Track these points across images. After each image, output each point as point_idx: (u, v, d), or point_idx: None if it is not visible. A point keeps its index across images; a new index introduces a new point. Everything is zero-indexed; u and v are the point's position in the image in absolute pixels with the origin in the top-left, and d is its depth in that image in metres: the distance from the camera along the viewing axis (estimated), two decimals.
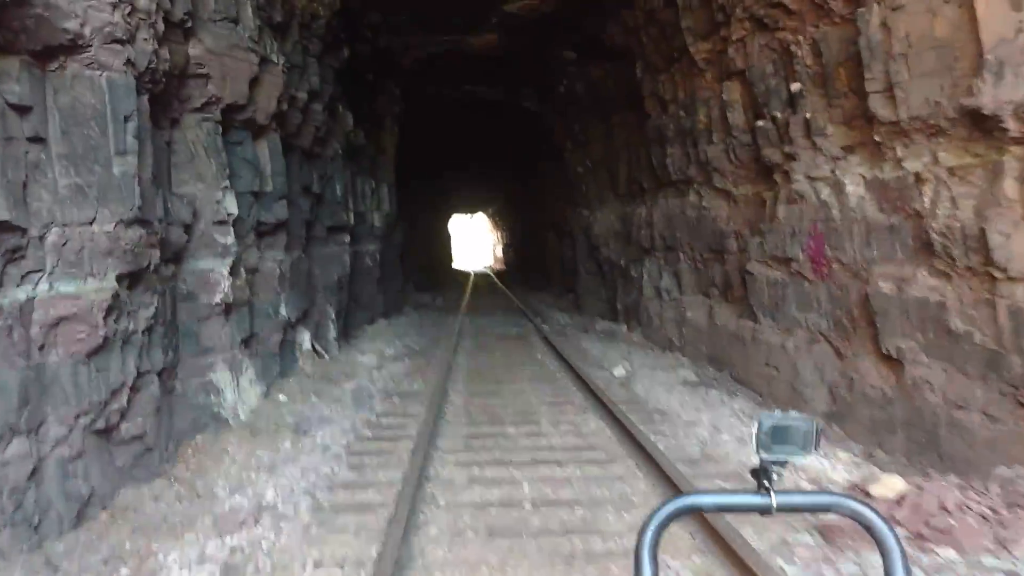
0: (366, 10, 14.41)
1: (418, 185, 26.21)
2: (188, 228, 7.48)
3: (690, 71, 11.72)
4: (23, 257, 5.07)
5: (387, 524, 5.03)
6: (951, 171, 6.28)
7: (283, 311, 9.69)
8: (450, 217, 49.30)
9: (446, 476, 6.24)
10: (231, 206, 8.04)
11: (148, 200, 6.24)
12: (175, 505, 5.72)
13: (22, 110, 5.10)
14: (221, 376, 7.82)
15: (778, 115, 8.97)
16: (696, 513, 1.65)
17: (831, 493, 1.51)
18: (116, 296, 5.68)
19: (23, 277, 5.08)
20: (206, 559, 4.74)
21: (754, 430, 1.50)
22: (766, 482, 1.47)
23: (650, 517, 1.40)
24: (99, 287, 5.52)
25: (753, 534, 4.74)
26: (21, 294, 5.04)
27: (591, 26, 15.23)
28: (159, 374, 6.64)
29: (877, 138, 7.15)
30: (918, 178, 6.65)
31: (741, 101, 10.18)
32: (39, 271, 5.18)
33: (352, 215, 14.98)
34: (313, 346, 11.15)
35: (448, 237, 49.75)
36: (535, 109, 22.42)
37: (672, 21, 11.77)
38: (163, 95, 6.96)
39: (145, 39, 6.14)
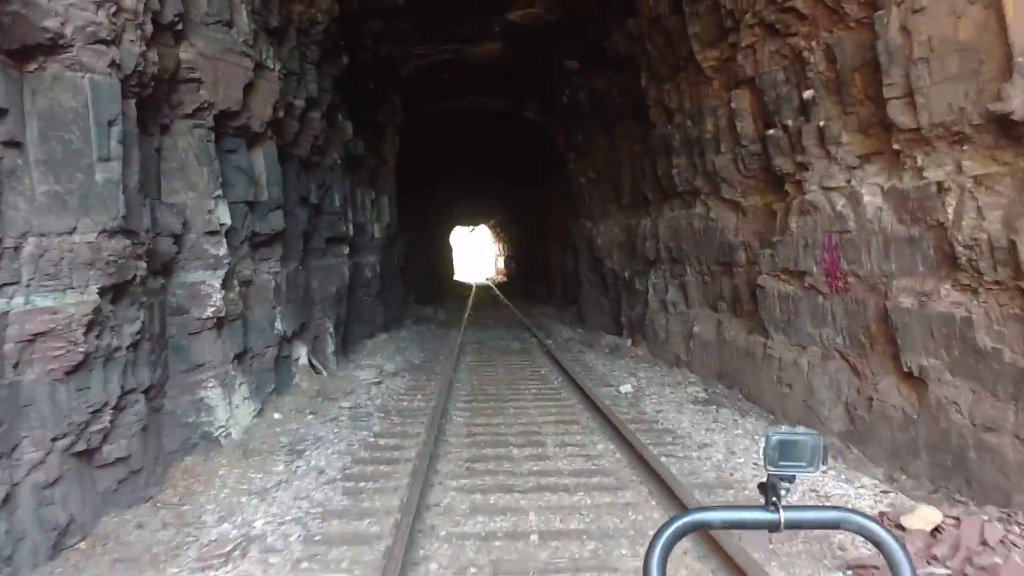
0: (366, 18, 14.17)
1: (419, 196, 25.96)
2: (178, 239, 7.18)
3: (697, 79, 11.45)
4: None
5: (383, 559, 4.67)
6: (977, 180, 5.97)
7: (279, 325, 9.37)
8: (451, 229, 49.06)
9: (447, 504, 5.88)
10: (224, 216, 7.74)
11: (134, 209, 5.94)
12: (159, 533, 5.39)
13: None
14: (213, 393, 7.50)
15: (790, 123, 8.69)
16: (704, 529, 1.66)
17: (839, 508, 1.50)
18: (98, 310, 5.37)
19: None
20: None
21: (761, 445, 1.57)
22: (774, 498, 1.48)
23: (658, 534, 1.40)
24: (79, 301, 5.21)
25: (779, 571, 4.41)
26: None
27: (595, 35, 14.99)
28: (146, 392, 6.32)
29: (896, 146, 6.86)
30: (940, 188, 6.34)
31: (750, 109, 9.91)
32: (14, 284, 4.87)
33: (351, 226, 14.68)
34: (310, 361, 10.82)
35: (449, 249, 49.48)
36: (537, 119, 22.19)
37: (678, 28, 11.51)
38: (152, 100, 6.68)
39: (132, 40, 5.86)
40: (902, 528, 4.61)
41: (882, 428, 7.18)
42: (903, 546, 1.38)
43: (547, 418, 8.84)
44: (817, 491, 5.97)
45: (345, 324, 13.94)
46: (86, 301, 5.25)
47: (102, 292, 5.47)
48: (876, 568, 4.15)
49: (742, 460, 6.84)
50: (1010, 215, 5.65)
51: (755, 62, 9.36)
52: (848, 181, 7.76)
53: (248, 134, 8.70)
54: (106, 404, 5.55)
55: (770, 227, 9.69)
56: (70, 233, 5.22)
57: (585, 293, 20.50)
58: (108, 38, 5.50)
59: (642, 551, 4.86)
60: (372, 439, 7.89)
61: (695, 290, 12.44)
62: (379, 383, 11.10)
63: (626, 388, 10.40)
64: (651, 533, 4.83)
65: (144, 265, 6.14)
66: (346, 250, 14.14)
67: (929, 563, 4.17)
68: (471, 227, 57.04)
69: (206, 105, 7.57)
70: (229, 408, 7.71)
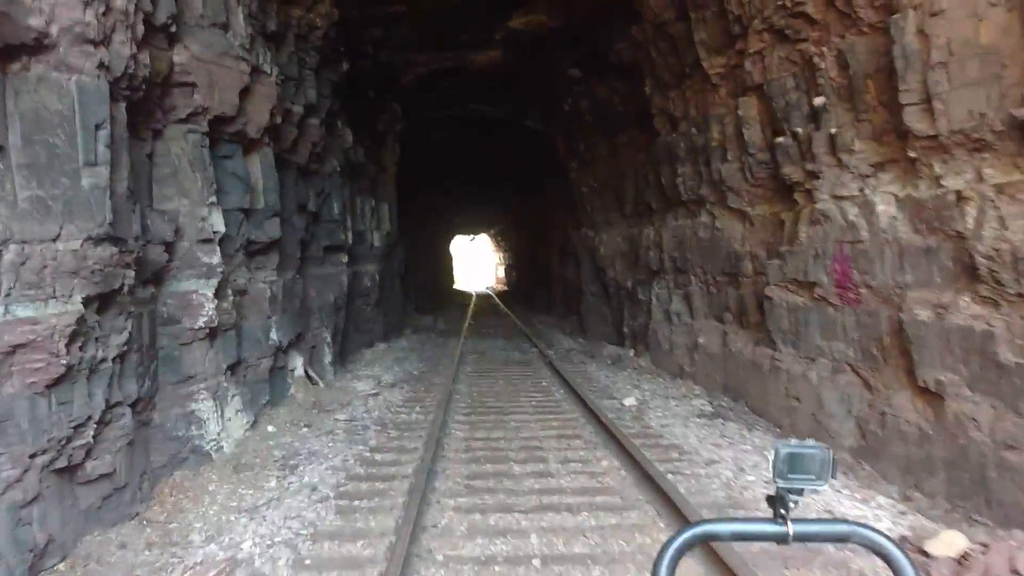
0: (367, 25, 13.99)
1: (419, 205, 25.78)
2: (170, 247, 6.95)
3: (703, 87, 11.26)
4: None
5: None
6: (999, 189, 5.76)
7: (274, 335, 9.13)
8: (452, 237, 48.88)
9: (445, 524, 5.62)
10: (217, 223, 7.52)
11: (122, 216, 5.71)
12: (143, 554, 5.15)
13: None
14: (204, 406, 7.26)
15: (799, 131, 8.47)
16: (712, 541, 1.59)
17: (847, 522, 1.48)
18: (82, 320, 5.14)
19: None
20: None
21: (770, 458, 1.50)
22: (782, 510, 1.48)
23: (665, 546, 1.41)
24: (62, 311, 4.98)
25: None
26: None
27: (598, 42, 14.81)
28: (133, 405, 6.09)
29: (912, 154, 6.64)
30: (959, 197, 6.13)
31: (758, 117, 9.70)
32: None
33: (350, 234, 14.47)
34: (306, 372, 10.58)
35: (450, 258, 49.29)
36: (539, 128, 22.01)
37: (684, 35, 11.33)
38: (143, 104, 6.46)
39: (122, 42, 5.65)
40: (926, 554, 4.37)
41: (896, 444, 6.94)
42: (913, 562, 1.38)
43: (549, 432, 8.58)
44: (832, 511, 5.72)
45: (343, 334, 13.71)
46: (69, 311, 5.02)
47: (87, 302, 5.24)
48: None
49: (752, 478, 6.59)
50: None
51: (763, 68, 9.16)
52: (861, 190, 7.54)
53: (244, 140, 8.49)
54: (90, 418, 5.32)
55: (778, 237, 9.48)
56: (53, 240, 4.99)
57: (587, 303, 20.28)
58: (96, 38, 5.28)
59: None
60: (368, 454, 7.63)
61: (700, 300, 12.21)
62: (376, 394, 10.85)
63: (630, 401, 10.15)
64: None
65: (132, 274, 5.91)
66: (345, 258, 13.92)
67: None
68: (471, 236, 56.86)
69: (200, 110, 7.36)
70: (221, 421, 7.47)
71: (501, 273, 56.70)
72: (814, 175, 8.24)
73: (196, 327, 7.18)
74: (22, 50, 4.90)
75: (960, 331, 6.09)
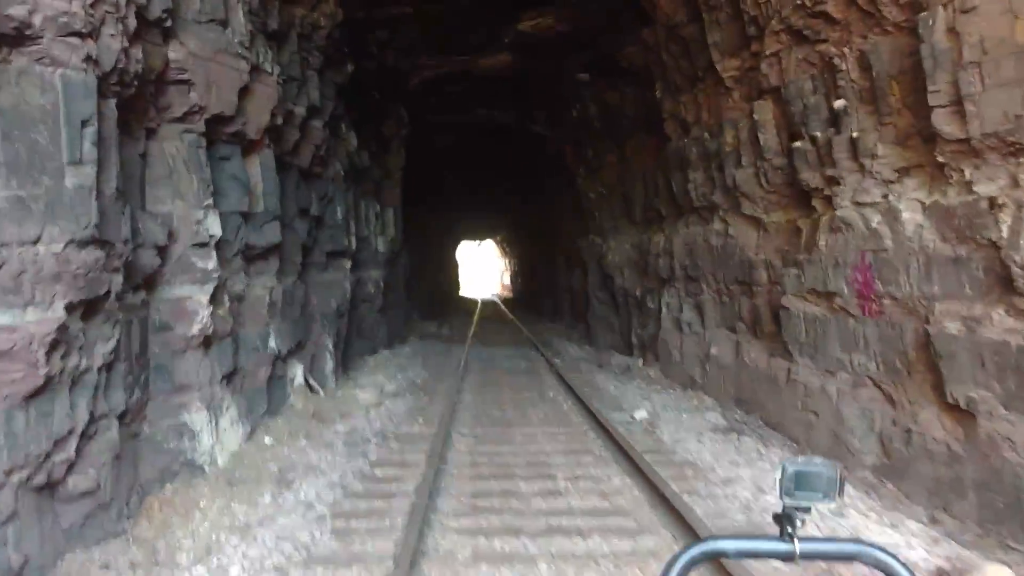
0: (372, 26, 13.74)
1: (425, 210, 25.53)
2: (163, 251, 6.66)
3: (716, 90, 10.96)
4: None
5: None
6: None
7: (272, 343, 8.83)
8: (457, 243, 48.58)
9: (447, 548, 5.28)
10: (213, 227, 7.23)
11: (110, 218, 5.43)
12: (126, 575, 4.84)
13: None
14: (197, 417, 6.96)
15: (818, 135, 8.16)
16: (719, 558, 1.61)
17: (856, 541, 1.46)
18: (63, 328, 4.85)
19: None
20: None
21: (777, 475, 1.50)
22: (789, 528, 1.47)
23: (671, 563, 1.39)
24: (41, 318, 4.69)
25: None
26: None
27: (607, 46, 14.55)
28: (120, 417, 5.79)
29: (940, 159, 6.33)
30: (992, 203, 5.80)
31: (774, 121, 9.40)
32: None
33: (354, 240, 14.19)
34: (306, 380, 10.28)
35: (455, 264, 49.01)
36: (546, 133, 21.77)
37: (697, 37, 11.04)
38: (136, 101, 6.18)
39: (112, 35, 5.37)
40: None
41: (922, 463, 6.60)
42: None
43: (557, 446, 8.24)
44: (860, 536, 5.39)
45: (346, 341, 13.42)
46: (49, 318, 4.73)
47: (70, 308, 4.94)
48: None
49: (772, 499, 6.25)
50: None
51: (780, 71, 8.86)
52: (884, 196, 7.22)
53: (243, 141, 8.21)
54: (72, 432, 5.02)
55: (794, 245, 9.16)
56: (34, 243, 4.70)
57: (594, 311, 19.97)
58: (84, 30, 5.00)
59: None
60: (368, 468, 7.30)
61: (712, 310, 11.89)
62: (379, 404, 10.54)
63: (640, 413, 9.82)
64: None
65: (121, 279, 5.62)
66: (348, 264, 13.64)
67: None
68: (477, 241, 56.60)
69: (197, 109, 7.08)
70: (215, 432, 7.17)
71: (507, 280, 56.38)
72: (834, 181, 7.93)
73: (190, 334, 6.89)
74: (2, 41, 4.63)
75: (993, 346, 5.76)
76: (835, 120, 7.89)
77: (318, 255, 11.99)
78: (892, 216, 7.06)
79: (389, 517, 5.85)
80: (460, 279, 53.04)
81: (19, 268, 4.58)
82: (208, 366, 7.20)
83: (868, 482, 7.05)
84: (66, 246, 4.87)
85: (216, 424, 7.24)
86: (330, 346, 11.83)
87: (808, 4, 7.83)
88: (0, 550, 4.47)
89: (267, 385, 8.80)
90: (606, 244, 18.48)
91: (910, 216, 6.86)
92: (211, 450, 7.04)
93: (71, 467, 5.12)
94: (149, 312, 6.66)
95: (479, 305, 37.53)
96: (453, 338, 21.18)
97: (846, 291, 7.78)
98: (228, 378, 7.69)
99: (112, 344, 5.53)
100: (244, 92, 7.76)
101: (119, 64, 5.48)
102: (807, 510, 1.49)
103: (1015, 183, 5.62)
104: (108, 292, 5.43)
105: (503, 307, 36.96)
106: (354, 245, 14.14)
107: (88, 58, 5.07)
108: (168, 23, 6.45)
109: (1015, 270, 5.52)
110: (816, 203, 8.50)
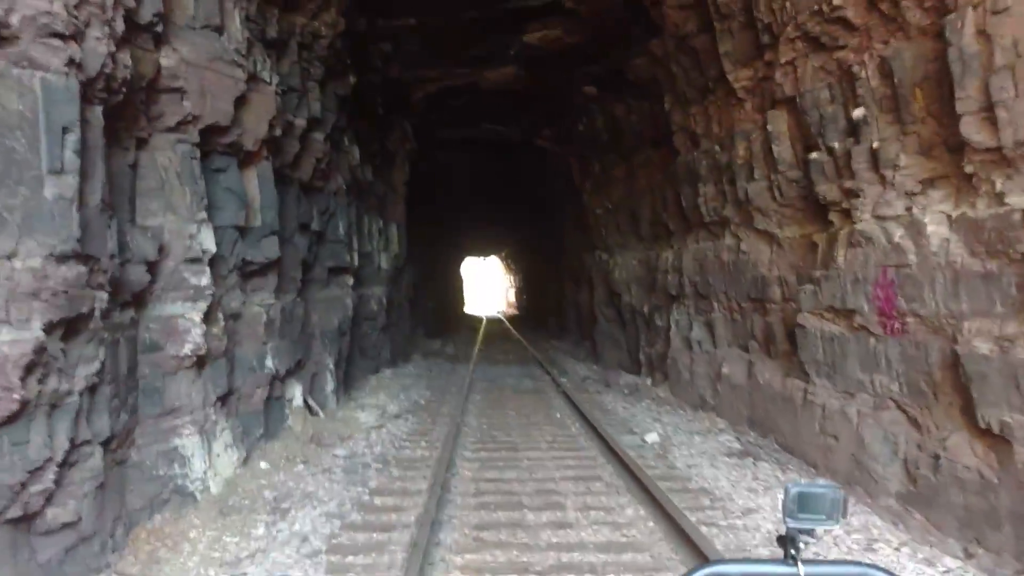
0: (375, 38, 13.52)
1: (429, 226, 25.27)
2: (153, 266, 6.36)
3: (727, 101, 10.68)
4: None
5: None
6: None
7: (270, 363, 8.51)
8: (462, 260, 48.31)
9: None
10: (207, 242, 6.93)
11: (94, 231, 5.13)
12: None
13: None
14: (189, 442, 6.63)
15: (836, 146, 7.86)
16: None
17: (859, 563, 1.46)
18: (41, 349, 4.54)
19: None
20: None
21: (781, 497, 1.54)
22: (793, 550, 1.49)
23: None
24: (16, 338, 4.38)
25: None
26: None
27: (614, 58, 14.31)
28: (105, 443, 5.47)
29: (968, 168, 6.01)
30: None
31: (789, 132, 9.10)
32: None
33: (357, 256, 13.90)
34: (306, 402, 9.94)
35: (460, 281, 48.70)
36: (552, 148, 21.54)
37: (708, 47, 10.78)
38: (125, 109, 5.91)
39: (98, 38, 5.10)
40: None
41: (952, 492, 6.22)
42: None
43: (565, 472, 7.86)
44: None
45: (348, 360, 13.08)
46: (25, 339, 4.42)
47: (49, 327, 4.63)
48: None
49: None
50: None
51: (795, 80, 8.57)
52: (907, 209, 6.90)
53: (240, 153, 7.93)
54: (50, 460, 4.70)
55: (810, 260, 8.84)
56: (9, 258, 4.41)
57: (600, 328, 19.62)
58: (66, 32, 4.74)
59: None
60: (367, 497, 6.93)
61: (723, 328, 11.55)
62: (380, 427, 10.18)
63: (651, 437, 9.44)
64: None
65: (106, 296, 5.32)
66: (350, 281, 13.33)
67: None
68: (482, 257, 56.32)
69: (190, 118, 6.81)
70: (208, 458, 6.84)
71: (512, 297, 56.03)
72: (853, 193, 7.62)
73: (182, 354, 6.58)
74: None
75: None
76: (854, 130, 7.59)
77: (319, 271, 11.70)
78: (916, 230, 6.73)
79: (388, 552, 5.48)
80: (465, 296, 52.72)
81: None
82: (201, 388, 6.88)
83: (893, 511, 6.69)
84: (44, 261, 4.57)
85: (209, 449, 6.91)
86: (331, 365, 11.50)
87: (826, 10, 7.55)
88: None
89: (264, 407, 8.47)
90: (612, 260, 18.17)
91: (935, 229, 6.53)
92: (204, 476, 6.71)
93: (50, 498, 4.79)
94: (138, 331, 6.35)
95: (484, 322, 37.18)
96: (458, 356, 20.84)
97: (866, 308, 7.44)
98: (222, 400, 7.37)
99: (96, 366, 5.22)
100: (241, 101, 7.49)
101: (105, 69, 5.21)
102: (811, 532, 1.50)
103: None
104: (92, 310, 5.12)
105: (508, 324, 36.61)
106: (356, 261, 13.84)
107: (71, 61, 4.80)
108: (159, 28, 6.19)
109: None
110: (834, 217, 8.18)
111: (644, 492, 6.69)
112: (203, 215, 6.95)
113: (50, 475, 4.72)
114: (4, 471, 4.36)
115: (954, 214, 6.34)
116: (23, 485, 4.52)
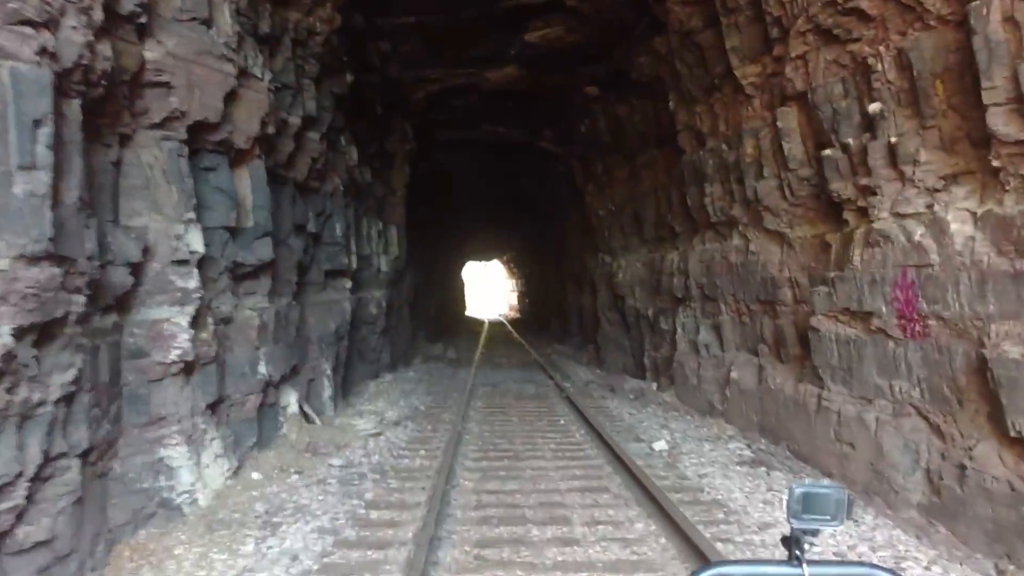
0: (374, 37, 13.22)
1: (430, 229, 24.98)
2: (137, 268, 6.07)
3: (734, 99, 10.38)
4: None
5: None
6: None
7: (263, 369, 8.20)
8: (463, 263, 48.02)
9: None
10: (195, 243, 6.63)
11: (70, 230, 4.83)
12: None
13: None
14: (176, 452, 6.33)
15: (851, 142, 7.56)
16: None
17: (864, 564, 1.49)
18: (10, 356, 4.23)
19: None
20: None
21: (785, 498, 1.55)
22: (797, 551, 1.52)
23: None
24: None
25: None
26: None
27: (618, 56, 14.01)
28: (84, 455, 5.17)
29: (995, 163, 5.72)
30: None
31: (799, 129, 8.79)
32: None
33: (355, 258, 13.59)
34: (301, 409, 9.63)
35: (461, 284, 48.41)
36: (554, 150, 21.25)
37: (713, 43, 10.48)
38: (106, 103, 5.61)
39: (74, 27, 4.81)
40: None
41: (979, 503, 5.90)
42: None
43: (571, 484, 7.50)
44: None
45: (346, 365, 12.78)
46: None
47: (19, 333, 4.33)
48: None
49: (819, 548, 5.56)
50: None
51: (807, 74, 8.27)
52: (928, 206, 6.59)
53: (231, 151, 7.63)
54: (20, 475, 4.39)
55: (823, 261, 8.53)
56: None
57: (604, 332, 19.30)
58: (37, 19, 4.45)
59: None
60: (362, 511, 6.59)
61: (731, 331, 11.23)
62: (378, 434, 9.86)
63: (660, 445, 9.10)
64: None
65: (83, 299, 5.01)
66: (348, 284, 13.03)
67: None
68: (484, 261, 56.02)
69: (178, 114, 6.51)
70: (196, 469, 6.53)
71: (514, 300, 55.72)
72: (870, 191, 7.31)
73: (168, 361, 6.27)
74: None
75: None
76: (869, 125, 7.29)
77: (315, 274, 11.40)
78: (938, 228, 6.42)
79: (383, 573, 5.14)
80: (466, 300, 52.42)
81: None
82: (189, 395, 6.57)
83: (916, 523, 6.36)
84: (14, 262, 4.27)
85: (198, 459, 6.60)
86: (328, 371, 11.18)
87: (839, 1, 7.25)
88: None
89: (257, 415, 8.16)
90: (616, 263, 17.87)
91: (959, 227, 6.23)
92: (191, 489, 6.39)
93: (21, 516, 4.49)
94: (122, 336, 6.05)
95: (486, 326, 36.84)
96: (459, 361, 20.52)
97: (885, 311, 7.13)
98: (212, 408, 7.06)
99: (72, 373, 4.91)
100: (231, 97, 7.20)
101: (83, 60, 4.92)
102: (815, 533, 1.51)
103: None
104: (67, 314, 4.82)
105: (510, 328, 36.28)
106: (355, 264, 13.54)
107: (43, 51, 4.51)
108: (143, 19, 5.90)
109: None
110: (848, 215, 7.87)
111: (654, 504, 6.35)
112: (191, 215, 6.65)
113: (21, 491, 4.42)
114: None
115: (979, 211, 6.04)
116: None
